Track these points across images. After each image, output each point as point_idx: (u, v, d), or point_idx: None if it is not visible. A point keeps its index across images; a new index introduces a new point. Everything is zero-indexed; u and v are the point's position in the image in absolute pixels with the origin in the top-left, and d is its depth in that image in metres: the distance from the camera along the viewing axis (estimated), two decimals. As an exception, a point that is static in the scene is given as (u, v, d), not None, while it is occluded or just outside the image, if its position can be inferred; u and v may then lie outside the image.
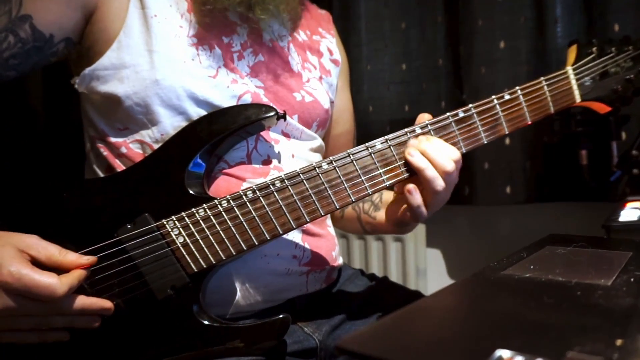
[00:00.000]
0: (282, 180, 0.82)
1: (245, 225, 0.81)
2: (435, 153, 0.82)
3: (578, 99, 0.94)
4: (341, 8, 1.85)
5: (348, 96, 1.22)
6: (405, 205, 0.87)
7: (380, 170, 0.84)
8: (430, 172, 0.81)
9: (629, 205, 1.09)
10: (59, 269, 0.74)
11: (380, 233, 1.04)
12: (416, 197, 0.83)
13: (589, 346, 0.40)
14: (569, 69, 0.94)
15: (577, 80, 0.94)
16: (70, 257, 0.75)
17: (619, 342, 0.41)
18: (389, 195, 0.99)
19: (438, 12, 1.69)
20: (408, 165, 0.84)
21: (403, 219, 0.89)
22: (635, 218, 0.95)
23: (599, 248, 0.77)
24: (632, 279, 0.59)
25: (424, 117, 0.87)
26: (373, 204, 1.04)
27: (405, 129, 0.85)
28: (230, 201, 0.81)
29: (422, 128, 0.86)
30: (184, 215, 0.81)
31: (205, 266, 0.81)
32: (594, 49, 0.96)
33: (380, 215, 1.00)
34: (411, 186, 0.83)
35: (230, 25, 0.94)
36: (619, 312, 0.50)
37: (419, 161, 0.82)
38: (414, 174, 0.85)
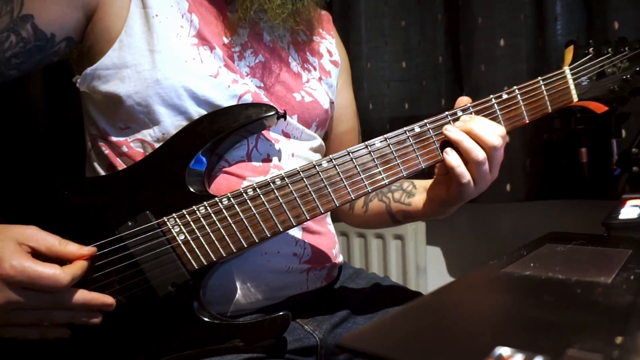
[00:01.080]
0: (282, 178, 0.82)
1: (246, 222, 0.82)
2: (480, 130, 0.84)
3: (575, 98, 0.95)
4: (341, 6, 1.85)
5: (350, 94, 1.22)
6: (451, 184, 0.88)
7: (380, 169, 0.84)
8: (468, 143, 0.83)
9: (629, 203, 1.09)
10: (60, 260, 0.74)
11: (414, 219, 1.04)
12: (452, 156, 0.84)
13: (589, 344, 0.41)
14: (566, 68, 0.94)
15: (574, 80, 0.94)
16: (71, 247, 0.75)
17: (619, 339, 0.41)
18: (424, 182, 1.01)
19: (438, 10, 1.69)
20: (406, 163, 0.85)
21: (450, 196, 0.90)
22: (635, 216, 0.95)
23: (599, 246, 0.77)
24: (632, 277, 0.59)
25: (463, 101, 0.89)
26: (405, 192, 1.04)
27: (404, 128, 0.86)
28: (231, 199, 0.81)
29: (420, 127, 0.86)
30: (185, 213, 0.81)
31: (205, 263, 0.81)
32: (591, 49, 0.96)
33: (417, 200, 1.00)
34: (448, 148, 0.85)
35: (231, 25, 0.94)
36: (618, 309, 0.50)
37: (455, 134, 0.84)
38: (411, 175, 0.86)
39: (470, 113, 0.87)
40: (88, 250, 0.77)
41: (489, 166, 0.85)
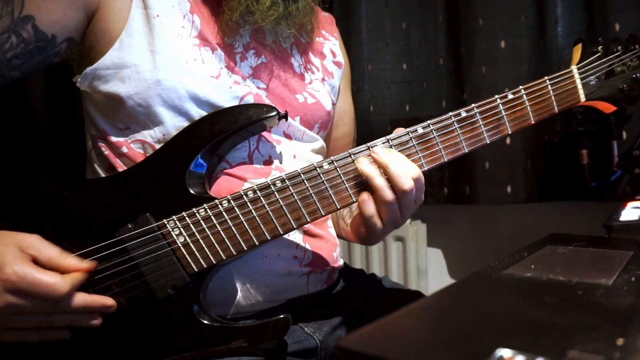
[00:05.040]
0: (282, 180, 0.82)
1: (246, 225, 0.82)
2: (395, 168, 0.80)
3: (583, 98, 0.93)
4: (342, 8, 1.85)
5: (349, 99, 1.22)
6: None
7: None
8: (379, 181, 0.80)
9: (630, 204, 1.09)
10: (59, 272, 0.74)
11: (350, 241, 1.03)
12: (369, 206, 0.82)
13: (590, 345, 0.40)
14: (574, 67, 0.93)
15: (582, 79, 0.93)
16: (70, 261, 0.76)
17: (620, 341, 0.41)
18: None
19: (439, 11, 1.69)
20: None
21: (360, 234, 0.89)
22: (636, 217, 0.95)
23: (600, 247, 0.77)
24: (633, 279, 0.59)
25: (399, 131, 0.86)
26: (350, 210, 1.02)
27: (407, 129, 0.85)
28: (231, 201, 0.81)
29: (423, 128, 0.86)
30: (185, 215, 0.81)
31: (205, 266, 0.81)
32: (600, 47, 0.95)
33: (350, 224, 0.98)
34: (365, 194, 0.82)
35: (233, 26, 0.94)
36: (620, 311, 0.50)
37: (367, 169, 0.81)
38: None
39: (475, 114, 0.87)
40: (87, 264, 0.77)
41: (400, 209, 0.82)
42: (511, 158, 1.53)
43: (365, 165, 0.81)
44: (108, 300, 0.78)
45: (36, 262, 0.73)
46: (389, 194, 0.80)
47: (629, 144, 1.26)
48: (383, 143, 0.84)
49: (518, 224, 1.70)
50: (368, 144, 0.84)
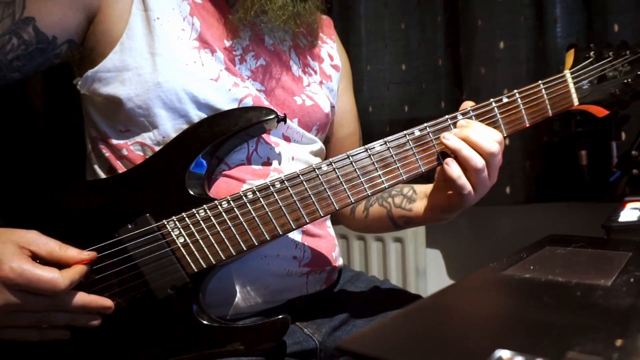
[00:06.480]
0: (282, 182, 0.82)
1: (245, 225, 0.82)
2: (477, 137, 0.83)
3: (576, 102, 0.94)
4: (341, 8, 1.85)
5: (351, 99, 1.22)
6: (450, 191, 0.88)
7: (379, 172, 0.84)
8: (466, 151, 0.83)
9: (629, 205, 1.09)
10: (60, 264, 0.74)
11: (415, 225, 1.04)
12: (453, 167, 0.84)
13: (589, 346, 0.41)
14: (567, 72, 0.94)
15: (575, 83, 0.94)
16: (71, 252, 0.76)
17: (618, 342, 0.41)
18: (424, 187, 1.00)
19: (438, 12, 1.69)
20: (406, 167, 0.85)
21: (450, 203, 0.90)
22: (635, 218, 0.95)
23: (599, 248, 0.77)
24: (631, 279, 0.59)
25: (467, 105, 0.89)
26: (406, 197, 1.03)
27: (404, 132, 0.86)
28: (231, 202, 0.81)
29: (420, 130, 0.86)
30: (185, 216, 0.81)
31: (205, 266, 0.81)
32: (592, 53, 0.96)
33: (418, 206, 0.99)
34: (448, 159, 0.84)
35: (232, 28, 0.94)
36: (618, 312, 0.50)
37: (453, 143, 0.83)
38: (411, 178, 0.86)
39: (471, 117, 0.87)
40: (88, 255, 0.77)
41: (488, 172, 0.85)
42: (510, 159, 1.53)
43: (451, 140, 0.84)
44: (106, 302, 0.78)
45: (36, 257, 0.73)
46: (479, 161, 0.83)
47: (628, 145, 1.26)
48: (381, 145, 0.85)
49: (517, 225, 1.71)
50: (366, 146, 0.85)
